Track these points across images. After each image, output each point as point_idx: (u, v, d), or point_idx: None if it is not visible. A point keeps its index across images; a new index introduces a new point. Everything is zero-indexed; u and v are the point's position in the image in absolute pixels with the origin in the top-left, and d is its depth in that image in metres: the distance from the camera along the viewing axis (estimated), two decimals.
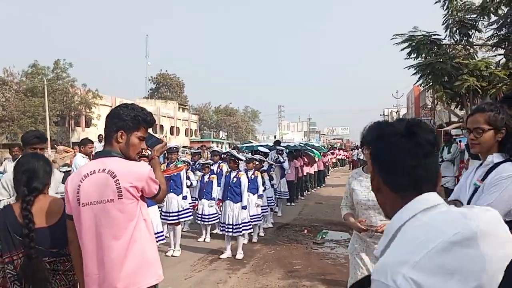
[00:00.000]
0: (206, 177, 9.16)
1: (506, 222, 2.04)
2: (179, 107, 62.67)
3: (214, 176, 9.10)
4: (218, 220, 8.86)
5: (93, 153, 7.66)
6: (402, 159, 1.29)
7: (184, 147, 44.74)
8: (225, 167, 9.48)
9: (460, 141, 12.81)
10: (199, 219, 9.03)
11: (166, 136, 53.22)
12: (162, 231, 7.15)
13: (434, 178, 1.32)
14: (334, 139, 77.23)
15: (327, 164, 25.52)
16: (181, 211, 8.03)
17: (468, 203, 2.50)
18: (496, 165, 2.48)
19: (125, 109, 2.70)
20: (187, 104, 69.82)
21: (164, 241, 7.45)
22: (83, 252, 2.58)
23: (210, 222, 9.04)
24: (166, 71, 71.11)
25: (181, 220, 8.25)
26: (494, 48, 12.56)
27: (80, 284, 2.67)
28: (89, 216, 2.54)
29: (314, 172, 18.91)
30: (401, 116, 57.69)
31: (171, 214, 7.93)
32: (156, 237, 6.62)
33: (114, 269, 2.52)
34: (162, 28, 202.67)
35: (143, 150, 2.86)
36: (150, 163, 2.90)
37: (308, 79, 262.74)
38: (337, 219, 11.32)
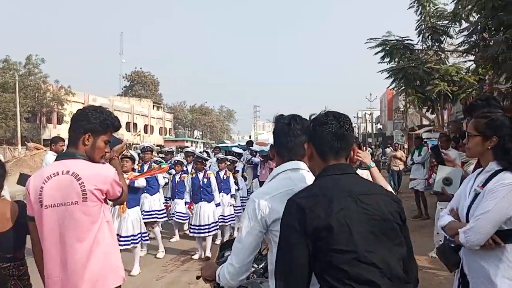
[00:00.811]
0: (177, 177, 9.08)
1: (506, 230, 2.40)
2: (153, 106, 62.17)
3: (185, 175, 9.03)
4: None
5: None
6: (283, 137, 2.29)
7: (158, 145, 44.45)
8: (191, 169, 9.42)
9: (427, 144, 13.10)
10: (172, 217, 8.98)
11: (139, 135, 52.74)
12: (146, 232, 7.10)
13: (301, 152, 2.22)
14: None
15: None
16: (154, 211, 7.97)
17: (468, 209, 2.52)
18: (497, 172, 2.48)
19: (93, 112, 2.69)
20: (161, 103, 69.32)
21: (148, 241, 7.42)
22: (44, 254, 2.56)
23: (184, 220, 8.99)
24: (141, 69, 70.47)
25: (157, 220, 8.18)
26: (464, 54, 12.86)
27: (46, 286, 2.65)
28: (52, 218, 2.52)
29: None
30: (374, 118, 58.48)
31: (145, 214, 7.86)
32: (137, 238, 6.65)
33: (77, 271, 2.52)
34: (137, 25, 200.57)
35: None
36: (110, 163, 2.88)
37: (283, 79, 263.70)
38: None
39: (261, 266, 2.68)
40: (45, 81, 38.47)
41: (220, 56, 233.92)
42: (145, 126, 58.12)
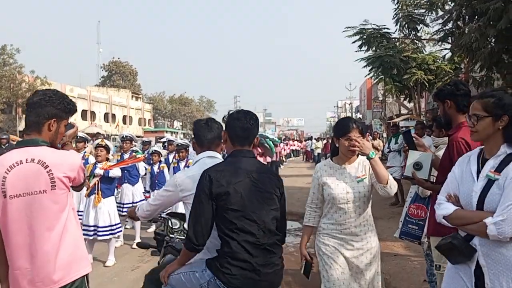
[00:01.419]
0: (156, 167, 8.98)
1: None
2: (132, 96, 61.42)
3: (164, 165, 8.95)
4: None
5: None
6: (202, 133, 3.12)
7: (137, 136, 43.99)
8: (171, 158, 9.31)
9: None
10: None
11: (118, 126, 52.19)
12: (119, 223, 7.01)
13: (216, 141, 3.12)
14: (289, 130, 77.89)
15: (280, 155, 25.72)
16: (136, 202, 7.89)
17: (481, 196, 2.30)
18: (510, 156, 2.31)
19: (56, 96, 2.62)
20: (140, 93, 68.54)
21: (122, 232, 7.34)
22: (9, 247, 2.47)
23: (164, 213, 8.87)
24: (119, 58, 69.41)
25: None
26: (440, 43, 12.99)
27: (2, 281, 2.55)
28: (18, 208, 2.43)
29: (267, 163, 19.00)
30: (353, 108, 58.89)
31: (125, 206, 7.78)
32: (114, 229, 6.56)
33: (49, 261, 2.45)
34: (114, 13, 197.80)
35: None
36: (63, 149, 2.82)
37: (264, 69, 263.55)
38: (291, 209, 11.44)
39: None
40: (20, 72, 37.57)
41: (200, 45, 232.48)
42: (124, 117, 57.47)
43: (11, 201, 2.43)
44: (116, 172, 6.80)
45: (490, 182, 2.30)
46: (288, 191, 15.44)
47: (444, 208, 2.43)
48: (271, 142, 18.46)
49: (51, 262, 2.46)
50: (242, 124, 2.75)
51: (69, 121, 2.78)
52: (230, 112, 2.85)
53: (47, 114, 2.56)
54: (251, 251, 2.57)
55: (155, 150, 9.35)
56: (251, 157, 2.80)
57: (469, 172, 2.43)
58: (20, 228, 2.43)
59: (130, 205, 7.84)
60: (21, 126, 36.99)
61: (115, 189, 7.23)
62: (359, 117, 57.96)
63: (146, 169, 9.33)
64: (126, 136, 8.26)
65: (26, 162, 2.46)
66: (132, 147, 8.47)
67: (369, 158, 3.10)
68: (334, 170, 3.34)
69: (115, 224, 6.61)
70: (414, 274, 5.84)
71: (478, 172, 2.39)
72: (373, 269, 3.32)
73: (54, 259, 2.46)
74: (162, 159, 9.42)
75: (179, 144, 8.30)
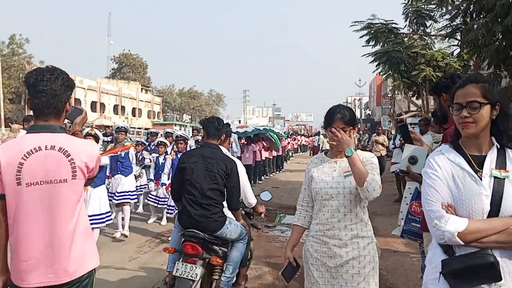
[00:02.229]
0: (161, 158, 8.97)
1: None
2: (141, 88, 61.51)
3: (169, 156, 8.95)
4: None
5: None
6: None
7: (146, 129, 44.11)
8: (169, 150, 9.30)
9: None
10: (152, 200, 8.92)
11: (127, 118, 52.36)
12: (109, 211, 7.00)
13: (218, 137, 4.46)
14: (297, 125, 77.73)
15: (286, 149, 25.65)
16: (127, 192, 7.88)
17: (496, 198, 1.95)
18: (501, 150, 2.05)
19: (68, 78, 2.50)
20: (150, 86, 68.67)
21: (111, 221, 7.32)
22: (19, 236, 2.32)
23: (160, 205, 8.88)
24: (129, 51, 69.59)
25: (128, 201, 8.09)
26: (448, 39, 12.84)
27: (1, 270, 2.39)
28: (34, 197, 2.30)
29: (273, 157, 18.98)
30: (363, 104, 58.60)
31: (117, 195, 7.77)
32: (103, 218, 6.52)
33: (64, 252, 2.34)
34: (125, 6, 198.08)
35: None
36: None
37: (274, 63, 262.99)
38: (292, 204, 11.41)
39: None
40: (30, 62, 37.90)
41: (210, 39, 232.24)
42: (133, 109, 57.60)
43: (27, 189, 2.29)
44: (104, 161, 6.67)
45: (498, 182, 1.96)
46: (293, 186, 15.50)
47: (453, 223, 1.93)
48: (275, 136, 18.47)
49: (66, 253, 2.35)
50: (212, 124, 4.34)
51: (75, 106, 2.66)
52: (206, 117, 4.55)
53: (67, 98, 2.47)
54: (192, 206, 3.98)
55: (160, 141, 9.35)
56: (213, 148, 4.23)
57: (465, 173, 2.02)
58: (35, 217, 2.31)
59: (122, 195, 7.86)
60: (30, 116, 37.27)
61: (106, 179, 7.18)
62: (368, 113, 57.67)
63: (151, 160, 9.35)
64: (120, 127, 8.26)
65: (46, 149, 2.33)
66: (126, 138, 8.45)
67: (346, 156, 2.71)
68: (323, 164, 2.99)
69: (103, 213, 6.51)
70: (413, 270, 5.79)
71: (475, 171, 2.01)
72: (365, 283, 2.80)
73: (68, 250, 2.36)
74: (168, 150, 9.40)
75: (178, 136, 8.26)
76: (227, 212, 4.18)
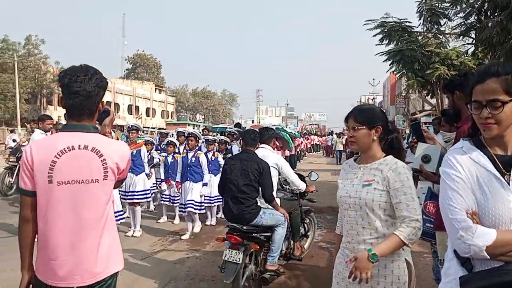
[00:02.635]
0: (170, 158, 9.01)
1: None
2: (155, 89, 61.94)
3: (178, 155, 8.97)
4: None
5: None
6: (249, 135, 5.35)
7: (160, 128, 44.30)
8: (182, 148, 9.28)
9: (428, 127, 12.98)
10: (166, 200, 8.97)
11: (140, 117, 52.69)
12: (121, 210, 7.05)
13: (267, 142, 5.65)
14: (310, 124, 77.47)
15: (299, 148, 25.57)
16: (138, 191, 7.95)
17: None
18: None
19: (102, 78, 2.49)
20: (164, 86, 69.06)
21: (124, 220, 7.37)
22: (47, 234, 2.32)
23: (172, 203, 8.93)
24: (143, 51, 70.06)
25: (141, 200, 8.15)
26: (462, 37, 12.71)
27: (26, 269, 2.40)
28: (65, 195, 2.31)
29: (286, 156, 18.94)
30: (377, 103, 58.21)
31: (129, 194, 7.84)
32: (115, 217, 6.55)
33: (92, 253, 2.34)
34: (139, 6, 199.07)
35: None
36: None
37: (287, 63, 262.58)
38: (304, 203, 11.34)
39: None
40: (45, 62, 38.31)
41: (223, 39, 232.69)
42: (147, 109, 58.02)
43: (58, 187, 2.29)
44: None
45: None
46: None
47: (481, 235, 1.69)
48: (287, 136, 18.44)
49: (94, 254, 2.34)
50: (250, 135, 5.23)
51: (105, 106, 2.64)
52: (245, 128, 5.19)
53: (100, 99, 2.47)
54: (231, 200, 4.88)
55: (170, 141, 9.37)
56: (249, 153, 5.09)
57: (491, 176, 1.76)
58: (65, 216, 2.30)
59: (132, 193, 7.93)
60: None
61: None
62: None
63: (160, 159, 9.39)
64: (132, 126, 8.31)
65: (79, 148, 2.33)
66: (138, 136, 8.50)
67: (372, 261, 2.33)
68: (350, 169, 2.72)
69: (115, 212, 6.57)
70: (426, 270, 5.74)
71: (502, 174, 1.76)
72: None
73: (96, 252, 2.34)
74: (176, 150, 9.41)
75: (190, 133, 8.29)
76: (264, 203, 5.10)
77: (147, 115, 57.19)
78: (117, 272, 2.50)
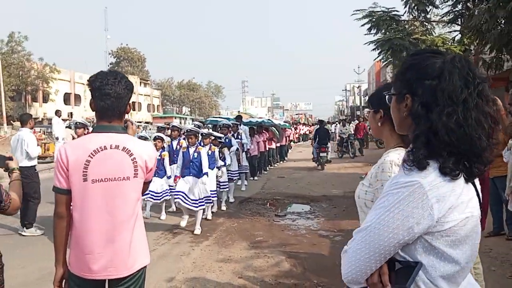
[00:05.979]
0: (157, 154, 8.85)
1: None
2: (140, 82, 61.47)
3: (166, 153, 8.83)
4: (169, 197, 8.85)
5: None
6: None
7: (146, 122, 44.15)
8: (185, 143, 8.78)
9: None
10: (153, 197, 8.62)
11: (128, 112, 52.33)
12: None
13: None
14: (297, 114, 77.66)
15: (289, 139, 25.69)
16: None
17: None
18: None
19: (129, 81, 2.66)
20: (148, 79, 68.63)
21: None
22: (82, 230, 2.47)
23: (161, 199, 8.72)
24: (127, 45, 69.42)
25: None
26: (449, 24, 12.90)
27: (60, 264, 2.53)
28: (99, 193, 2.46)
29: (276, 147, 19.13)
30: (362, 91, 58.57)
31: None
32: None
33: (125, 248, 2.48)
34: (121, 0, 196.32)
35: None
36: None
37: (272, 53, 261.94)
38: (299, 192, 11.56)
39: None
40: (29, 59, 37.87)
41: (208, 31, 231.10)
42: (133, 103, 57.55)
43: (93, 185, 2.43)
44: None
45: None
46: (298, 175, 15.65)
47: None
48: (274, 129, 18.67)
49: (127, 249, 2.48)
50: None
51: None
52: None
53: (128, 100, 2.60)
54: None
55: (157, 136, 9.10)
56: None
57: None
58: (100, 213, 2.45)
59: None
60: (31, 113, 37.08)
61: None
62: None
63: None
64: (78, 123, 8.53)
65: (111, 148, 2.48)
66: (85, 133, 8.56)
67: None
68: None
69: None
70: None
71: None
72: None
73: (128, 246, 2.48)
74: (165, 145, 9.20)
75: (189, 130, 8.30)
76: None
77: (133, 109, 56.83)
78: (146, 265, 2.64)
